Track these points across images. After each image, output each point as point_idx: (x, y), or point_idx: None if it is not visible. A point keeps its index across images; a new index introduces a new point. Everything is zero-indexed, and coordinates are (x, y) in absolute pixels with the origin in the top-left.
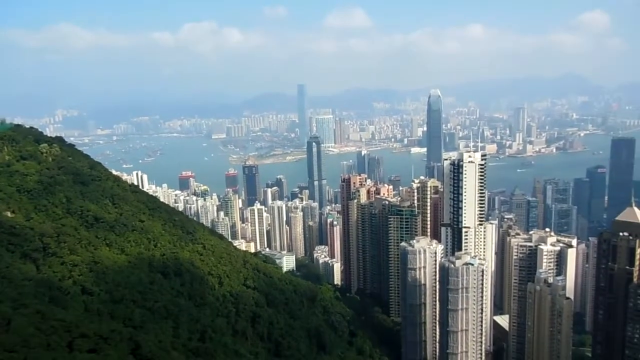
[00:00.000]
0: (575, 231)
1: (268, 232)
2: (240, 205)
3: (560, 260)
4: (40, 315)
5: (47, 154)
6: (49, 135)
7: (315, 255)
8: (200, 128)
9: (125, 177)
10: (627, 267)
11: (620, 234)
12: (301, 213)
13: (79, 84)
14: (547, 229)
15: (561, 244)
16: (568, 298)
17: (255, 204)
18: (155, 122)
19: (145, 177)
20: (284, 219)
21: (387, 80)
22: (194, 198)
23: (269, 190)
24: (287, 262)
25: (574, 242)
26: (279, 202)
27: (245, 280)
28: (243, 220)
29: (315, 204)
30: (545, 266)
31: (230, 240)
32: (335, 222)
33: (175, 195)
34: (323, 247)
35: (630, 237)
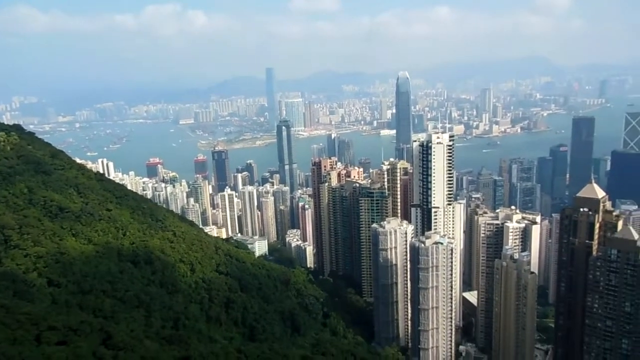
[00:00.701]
0: (539, 208)
1: (239, 217)
2: (211, 191)
3: (525, 236)
4: (4, 310)
5: (5, 143)
6: (5, 123)
7: (287, 239)
8: (167, 113)
9: (90, 165)
10: (587, 241)
11: (581, 209)
12: (272, 198)
13: (36, 70)
14: (513, 207)
15: (526, 221)
16: (533, 272)
17: (225, 190)
18: (119, 108)
19: (111, 164)
20: (255, 204)
21: (356, 63)
22: (163, 185)
23: (239, 175)
24: (260, 247)
25: (538, 218)
26: (249, 187)
27: (217, 266)
28: (214, 206)
29: (286, 188)
30: (511, 243)
31: (201, 226)
32: (306, 206)
33: (143, 182)
34: (295, 231)
35: (590, 213)
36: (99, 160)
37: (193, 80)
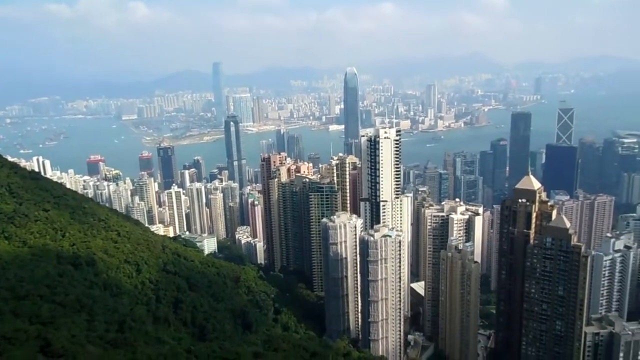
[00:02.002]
0: (481, 200)
1: (187, 215)
2: (157, 189)
3: (469, 227)
4: None
5: None
6: None
7: (237, 236)
8: (109, 109)
9: (23, 163)
10: (525, 230)
11: (519, 200)
12: (221, 194)
13: None
14: (457, 199)
15: (469, 213)
16: (476, 262)
17: (172, 187)
18: (55, 103)
19: (47, 162)
20: (204, 201)
21: (304, 58)
22: (105, 183)
23: (187, 172)
24: (209, 245)
25: (481, 210)
26: (197, 184)
27: (165, 265)
28: (160, 204)
29: (235, 185)
30: (456, 234)
31: (147, 225)
32: (256, 202)
33: (84, 181)
34: (245, 227)
35: (527, 203)
36: (34, 158)
37: (136, 74)
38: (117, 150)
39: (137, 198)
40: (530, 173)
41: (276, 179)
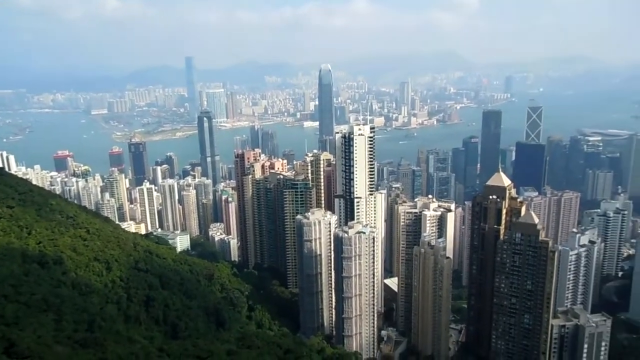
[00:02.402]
0: (453, 196)
1: (159, 212)
2: (128, 185)
3: (441, 223)
4: None
5: None
6: None
7: (210, 233)
8: (77, 103)
9: None
10: (496, 226)
11: (490, 197)
12: (194, 191)
13: None
14: (430, 196)
15: (442, 209)
16: (448, 257)
17: (144, 183)
18: (20, 97)
19: (12, 157)
20: (176, 197)
21: (278, 54)
22: (74, 179)
23: (159, 168)
24: (181, 242)
25: (453, 206)
26: (170, 181)
27: (136, 263)
28: (131, 200)
29: (209, 181)
30: (429, 230)
31: (117, 222)
32: (230, 199)
33: (51, 177)
34: (218, 224)
35: (498, 200)
36: None
37: (106, 68)
38: (86, 146)
39: (107, 195)
40: (500, 170)
41: (250, 176)
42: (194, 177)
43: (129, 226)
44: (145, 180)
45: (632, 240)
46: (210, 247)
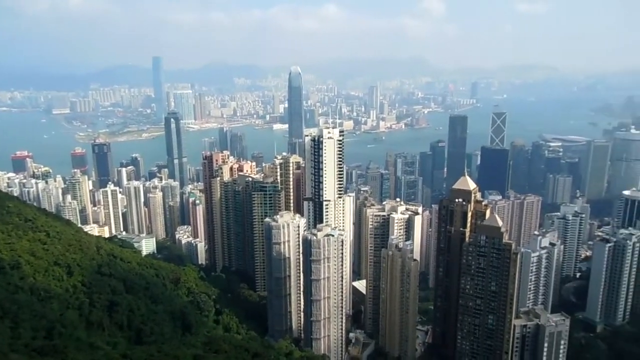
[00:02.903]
0: (421, 199)
1: (124, 214)
2: (91, 187)
3: (408, 226)
4: None
5: None
6: None
7: (177, 236)
8: (37, 101)
9: None
10: (461, 229)
11: (456, 200)
12: (161, 193)
13: None
14: (398, 199)
15: (409, 212)
16: (415, 260)
17: (108, 185)
18: None
19: None
20: (142, 200)
21: (248, 55)
22: (33, 181)
23: (124, 170)
24: (147, 245)
25: (420, 209)
26: (135, 182)
27: (99, 267)
28: (94, 203)
29: (176, 183)
30: (397, 233)
31: (80, 225)
32: (197, 201)
33: (8, 178)
34: (185, 227)
35: (463, 203)
36: None
37: (68, 66)
38: (46, 146)
39: (69, 197)
40: (466, 174)
41: (218, 178)
42: (161, 179)
43: (92, 229)
44: (110, 182)
45: (589, 242)
46: (177, 250)
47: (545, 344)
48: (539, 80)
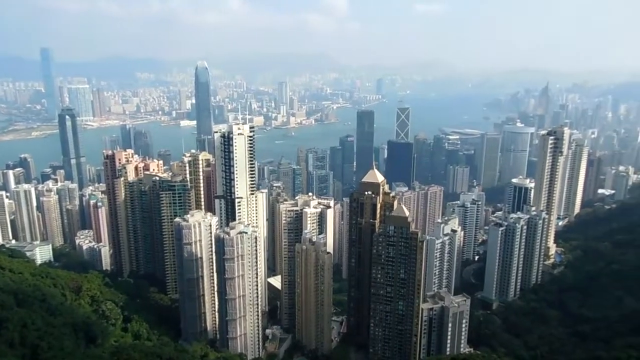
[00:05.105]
0: (332, 193)
1: (13, 221)
2: None
3: (321, 220)
4: None
5: None
6: None
7: (77, 241)
8: None
9: None
10: (372, 220)
11: (366, 193)
12: (56, 196)
13: None
14: (310, 194)
15: (322, 206)
16: (329, 253)
17: None
18: None
19: None
20: (34, 204)
21: (149, 49)
22: None
23: (11, 172)
24: (42, 253)
25: (332, 203)
26: (25, 186)
27: None
28: None
29: (74, 185)
30: (310, 227)
31: None
32: (99, 203)
33: None
34: (87, 231)
35: (373, 195)
36: None
37: None
38: None
39: None
40: (374, 167)
41: (122, 178)
42: (56, 181)
43: None
44: None
45: (485, 227)
46: (78, 257)
47: (450, 324)
48: (438, 77)
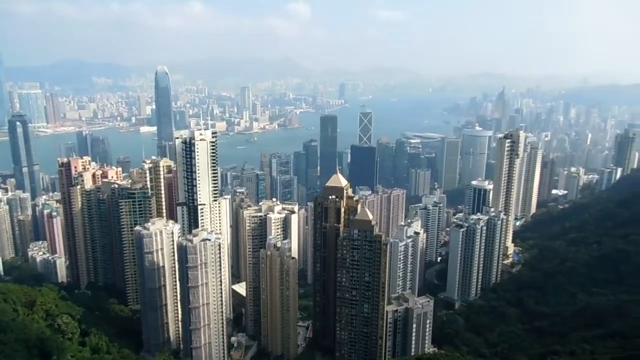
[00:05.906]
0: (296, 198)
1: None
2: None
3: (285, 225)
4: None
5: None
6: None
7: (30, 253)
8: None
9: None
10: (336, 224)
11: (330, 197)
12: (7, 206)
13: None
14: (274, 199)
15: (286, 211)
16: (294, 258)
17: None
18: None
19: None
20: None
21: (107, 53)
22: None
23: None
24: None
25: (296, 208)
26: None
27: None
28: None
29: (26, 195)
30: (274, 232)
31: None
32: (54, 213)
33: None
34: (40, 242)
35: (337, 199)
36: None
37: None
38: None
39: None
40: (338, 171)
41: (79, 186)
42: (6, 190)
43: None
44: None
45: (447, 229)
46: (31, 269)
47: (414, 325)
48: (399, 82)
